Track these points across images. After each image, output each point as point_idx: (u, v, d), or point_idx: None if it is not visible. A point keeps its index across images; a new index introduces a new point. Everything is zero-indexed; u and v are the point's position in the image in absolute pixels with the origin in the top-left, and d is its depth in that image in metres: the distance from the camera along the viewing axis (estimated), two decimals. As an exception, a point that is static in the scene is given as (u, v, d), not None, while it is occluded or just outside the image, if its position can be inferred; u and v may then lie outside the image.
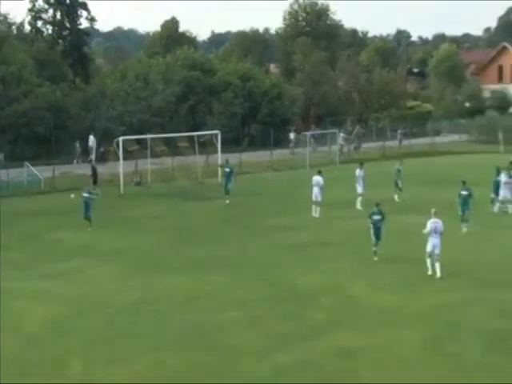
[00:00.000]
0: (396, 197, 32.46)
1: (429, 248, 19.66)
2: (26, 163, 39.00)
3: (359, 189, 30.84)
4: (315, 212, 28.84)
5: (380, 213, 21.39)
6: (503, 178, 29.15)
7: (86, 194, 27.19)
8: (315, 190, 28.96)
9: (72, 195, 31.75)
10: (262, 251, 23.06)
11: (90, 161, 43.39)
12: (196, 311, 16.93)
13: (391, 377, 13.08)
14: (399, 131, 58.84)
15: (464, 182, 25.87)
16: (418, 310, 16.75)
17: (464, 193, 25.45)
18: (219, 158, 39.01)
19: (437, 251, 19.47)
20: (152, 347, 14.64)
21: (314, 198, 29.04)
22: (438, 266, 19.44)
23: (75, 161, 46.39)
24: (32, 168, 38.82)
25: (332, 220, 27.95)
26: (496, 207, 29.14)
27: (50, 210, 31.67)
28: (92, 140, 46.51)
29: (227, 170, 32.77)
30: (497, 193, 29.09)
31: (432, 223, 19.63)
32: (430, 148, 54.94)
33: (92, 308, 17.35)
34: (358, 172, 31.24)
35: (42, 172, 38.41)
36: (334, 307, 17.10)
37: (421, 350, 14.35)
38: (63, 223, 28.30)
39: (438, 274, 19.36)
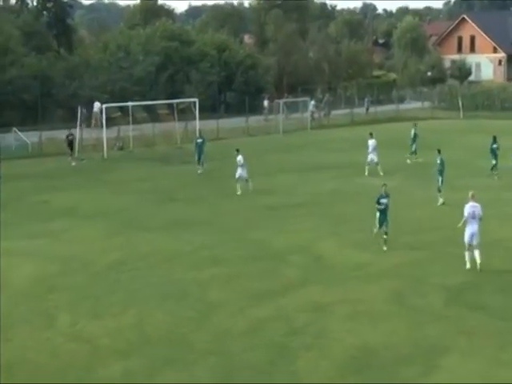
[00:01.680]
0: (408, 160, 31.92)
1: (467, 238, 16.22)
2: (14, 128, 38.29)
3: (370, 157, 28.84)
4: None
5: (387, 195, 18.42)
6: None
7: None
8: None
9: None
10: (236, 212, 22.94)
11: (95, 125, 42.47)
12: (176, 269, 16.83)
13: (360, 329, 13.13)
14: (366, 99, 58.69)
15: (439, 151, 23.95)
16: (385, 266, 16.80)
17: (438, 162, 23.72)
18: (197, 124, 38.61)
19: (475, 242, 16.08)
20: (136, 303, 14.53)
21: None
22: (477, 253, 16.06)
23: (79, 125, 45.45)
24: (19, 133, 38.14)
25: (303, 183, 27.88)
26: (494, 174, 27.59)
27: (36, 173, 31.18)
28: (97, 106, 45.36)
29: (199, 140, 30.91)
30: (495, 159, 27.74)
31: (469, 207, 16.29)
32: (395, 114, 54.94)
33: (78, 266, 17.16)
34: (370, 142, 29.11)
35: (30, 137, 37.75)
36: (306, 265, 17.09)
37: (387, 303, 14.41)
38: (50, 185, 27.87)
39: (478, 261, 16.01)
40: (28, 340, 12.75)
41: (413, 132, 32.62)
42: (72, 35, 59.42)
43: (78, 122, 37.43)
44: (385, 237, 18.15)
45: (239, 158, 25.67)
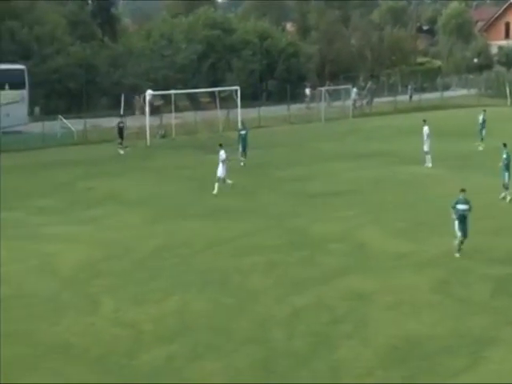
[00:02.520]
0: (480, 147, 31.25)
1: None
2: (60, 116, 38.87)
3: (426, 147, 27.79)
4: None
5: (466, 201, 16.50)
6: None
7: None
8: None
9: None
10: (277, 200, 22.85)
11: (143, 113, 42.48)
12: (217, 256, 16.86)
13: (403, 318, 12.95)
14: (410, 86, 57.84)
15: (505, 145, 22.17)
16: (429, 256, 16.53)
17: (505, 156, 22.03)
18: (239, 112, 38.58)
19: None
20: (177, 289, 14.61)
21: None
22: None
23: (137, 112, 45.88)
24: (65, 121, 38.69)
25: (344, 171, 27.62)
26: None
27: (82, 160, 31.59)
28: (150, 94, 45.68)
29: (243, 132, 29.79)
30: None
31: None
32: (439, 102, 53.99)
33: (121, 252, 17.33)
34: (425, 129, 27.95)
35: (75, 125, 38.27)
36: (347, 253, 16.94)
37: (431, 293, 14.18)
38: (94, 172, 28.23)
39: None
40: (73, 325, 12.94)
41: (481, 118, 31.79)
42: (116, 24, 59.99)
43: (122, 110, 37.75)
44: (461, 244, 16.44)
45: (221, 152, 23.90)
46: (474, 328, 12.52)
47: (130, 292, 14.53)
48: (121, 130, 33.80)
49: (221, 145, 24.37)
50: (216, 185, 23.59)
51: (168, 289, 14.65)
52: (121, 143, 33.59)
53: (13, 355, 11.61)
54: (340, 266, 15.91)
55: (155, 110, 43.03)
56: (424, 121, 28.39)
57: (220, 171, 23.71)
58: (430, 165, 27.44)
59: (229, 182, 23.91)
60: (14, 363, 11.34)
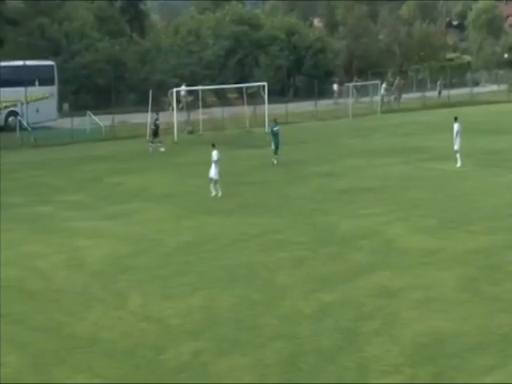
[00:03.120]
0: None
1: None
2: (88, 112, 39.24)
3: (456, 145, 26.66)
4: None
5: None
6: None
7: None
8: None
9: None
10: (304, 196, 22.80)
11: (182, 108, 42.48)
12: (244, 252, 16.87)
13: (431, 316, 12.84)
14: (439, 82, 57.31)
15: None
16: (457, 253, 16.34)
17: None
18: (266, 108, 38.55)
19: None
20: (205, 284, 14.66)
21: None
22: None
23: (170, 108, 45.90)
24: (94, 117, 39.06)
25: (373, 167, 27.46)
26: None
27: (110, 155, 31.90)
28: (184, 89, 45.83)
29: (276, 128, 28.84)
30: None
31: None
32: (469, 98, 53.39)
33: (149, 247, 17.44)
34: (455, 126, 26.81)
35: (103, 120, 38.59)
36: (375, 250, 16.82)
37: (459, 290, 14.02)
38: (122, 168, 28.46)
39: None
40: (101, 319, 13.05)
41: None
42: (144, 20, 60.35)
43: (150, 106, 37.98)
44: None
45: (214, 153, 22.81)
46: (504, 326, 12.36)
47: (157, 287, 14.61)
48: (157, 128, 33.10)
49: (213, 145, 23.12)
50: (211, 186, 22.82)
51: (195, 284, 14.71)
52: (160, 141, 32.93)
53: (41, 349, 11.76)
54: (367, 263, 15.82)
55: (189, 106, 43.25)
56: (455, 118, 27.16)
57: (212, 172, 22.72)
58: (459, 164, 26.48)
59: (218, 186, 22.82)
60: (42, 357, 11.47)
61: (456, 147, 26.75)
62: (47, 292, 14.42)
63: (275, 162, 28.36)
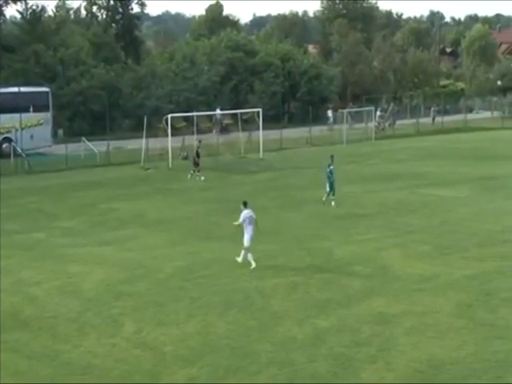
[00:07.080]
0: None
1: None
2: (83, 138, 39.37)
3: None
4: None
5: None
6: None
7: None
8: None
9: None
10: (300, 222, 22.91)
11: (221, 132, 42.55)
12: (240, 278, 16.91)
13: (426, 342, 12.89)
14: (432, 108, 57.83)
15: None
16: (452, 279, 16.45)
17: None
18: (261, 134, 38.82)
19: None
20: (200, 311, 14.68)
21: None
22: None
23: (214, 131, 46.69)
24: (88, 143, 39.19)
25: (368, 193, 27.63)
26: None
27: (105, 182, 31.96)
28: (219, 112, 46.06)
29: (332, 167, 25.65)
30: None
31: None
32: (462, 125, 53.86)
33: (143, 273, 17.46)
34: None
35: (98, 146, 38.74)
36: (370, 276, 16.91)
37: (454, 317, 14.10)
38: (117, 194, 28.53)
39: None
40: (95, 346, 13.04)
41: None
42: (139, 46, 60.91)
43: (144, 132, 38.17)
44: None
45: (246, 212, 18.34)
46: (499, 352, 12.42)
47: (152, 313, 14.63)
48: (198, 156, 31.95)
49: (245, 203, 18.63)
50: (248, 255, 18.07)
51: (189, 310, 14.73)
52: (199, 170, 31.69)
53: (37, 377, 11.74)
54: (363, 289, 15.89)
55: (224, 129, 43.57)
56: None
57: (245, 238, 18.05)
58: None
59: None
60: None
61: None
62: (42, 319, 14.42)
63: (333, 203, 25.03)
